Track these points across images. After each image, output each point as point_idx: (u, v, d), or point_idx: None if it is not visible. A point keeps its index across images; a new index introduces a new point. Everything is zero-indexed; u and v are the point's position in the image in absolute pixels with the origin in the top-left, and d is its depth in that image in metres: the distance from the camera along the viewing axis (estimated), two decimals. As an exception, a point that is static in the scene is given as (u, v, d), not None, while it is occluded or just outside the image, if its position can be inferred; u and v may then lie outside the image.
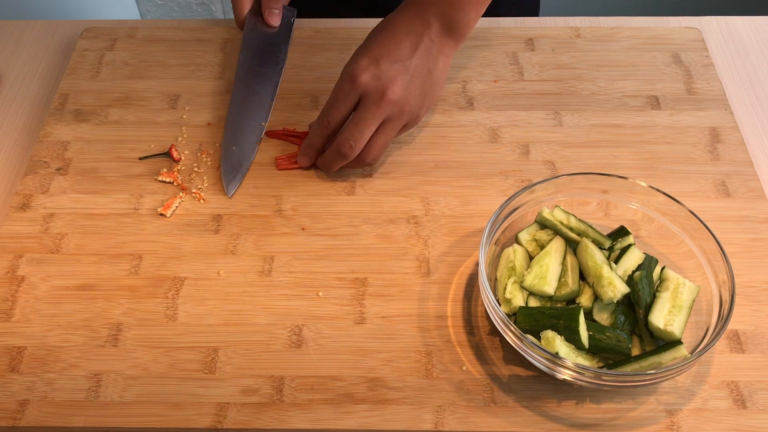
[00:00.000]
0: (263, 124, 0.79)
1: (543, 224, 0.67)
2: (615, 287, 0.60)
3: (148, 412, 0.60)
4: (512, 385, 0.62)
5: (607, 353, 0.60)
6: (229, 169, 0.75)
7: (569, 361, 0.56)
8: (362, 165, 0.74)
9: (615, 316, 0.61)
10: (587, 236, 0.65)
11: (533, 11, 1.07)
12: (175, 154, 0.77)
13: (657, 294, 0.61)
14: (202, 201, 0.74)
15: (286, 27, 0.85)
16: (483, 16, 0.92)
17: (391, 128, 0.72)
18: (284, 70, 0.83)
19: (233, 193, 0.74)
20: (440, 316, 0.66)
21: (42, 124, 0.82)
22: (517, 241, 0.66)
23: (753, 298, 0.67)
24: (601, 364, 0.60)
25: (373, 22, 0.91)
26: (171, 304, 0.66)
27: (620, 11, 1.94)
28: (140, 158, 0.77)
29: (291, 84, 0.84)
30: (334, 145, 0.72)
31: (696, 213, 0.64)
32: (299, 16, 0.88)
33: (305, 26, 0.91)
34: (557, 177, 0.66)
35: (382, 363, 0.63)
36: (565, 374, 0.57)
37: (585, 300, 0.62)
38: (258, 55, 0.82)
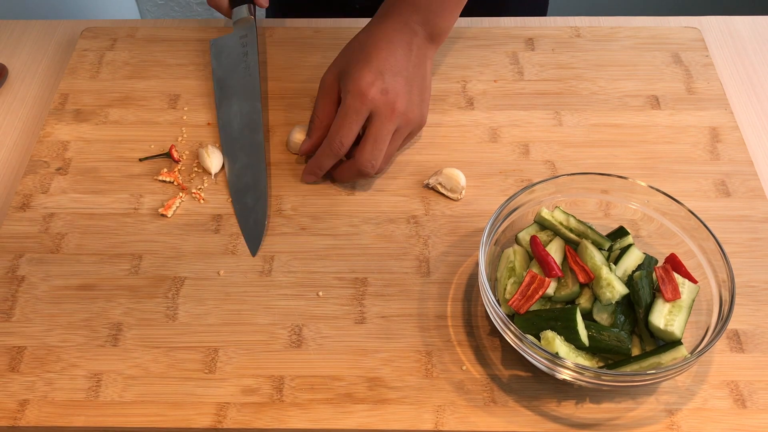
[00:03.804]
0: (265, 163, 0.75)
1: (542, 224, 0.66)
2: (614, 288, 0.60)
3: (148, 412, 0.60)
4: (512, 385, 0.62)
5: (607, 353, 0.60)
6: (250, 229, 0.71)
7: (569, 361, 0.56)
8: (369, 177, 0.73)
9: (615, 316, 0.61)
10: (587, 237, 0.65)
11: (541, 11, 1.07)
12: (175, 155, 0.77)
13: (657, 294, 0.61)
14: (202, 201, 0.74)
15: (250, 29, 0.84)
16: (485, 15, 0.93)
17: (398, 138, 0.72)
18: (284, 69, 0.82)
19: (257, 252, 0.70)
20: (440, 316, 0.66)
21: (42, 124, 0.82)
22: (517, 241, 0.66)
23: (753, 298, 0.67)
24: (601, 364, 0.60)
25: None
26: (171, 304, 0.66)
27: (620, 11, 1.94)
28: (140, 159, 0.77)
29: (289, 84, 0.84)
30: (354, 165, 0.71)
31: (696, 213, 0.64)
32: (297, 15, 0.88)
33: (305, 26, 0.91)
34: (557, 177, 0.66)
35: (382, 363, 0.63)
36: (565, 374, 0.57)
37: (584, 301, 0.62)
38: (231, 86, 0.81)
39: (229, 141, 0.77)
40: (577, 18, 0.93)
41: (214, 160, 0.75)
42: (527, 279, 0.61)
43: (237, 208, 0.72)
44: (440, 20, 0.73)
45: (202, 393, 0.61)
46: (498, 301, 0.63)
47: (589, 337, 0.59)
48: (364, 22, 0.91)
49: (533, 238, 0.64)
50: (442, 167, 0.75)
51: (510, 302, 0.61)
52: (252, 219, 0.71)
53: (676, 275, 0.62)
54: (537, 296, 0.60)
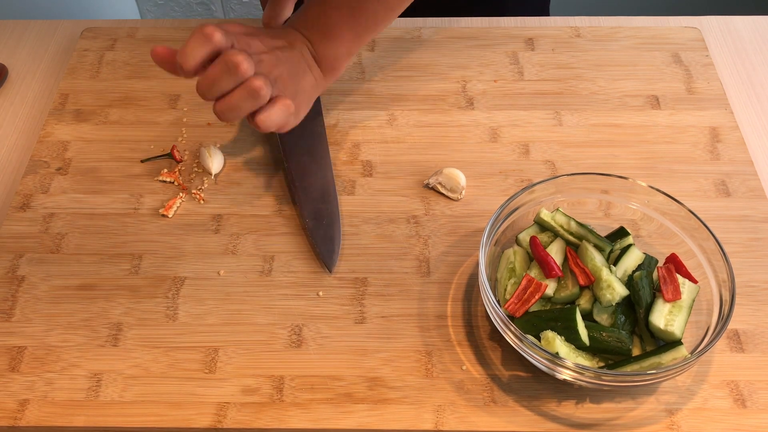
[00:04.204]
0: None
1: (542, 225, 0.66)
2: (614, 290, 0.60)
3: (148, 412, 0.60)
4: (512, 385, 0.62)
5: (607, 353, 0.60)
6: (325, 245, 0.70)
7: (569, 361, 0.56)
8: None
9: (615, 316, 0.61)
10: (587, 241, 0.65)
11: (541, 11, 1.06)
12: (177, 155, 0.77)
13: (657, 294, 0.61)
14: (202, 201, 0.74)
15: None
16: (485, 15, 0.93)
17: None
18: None
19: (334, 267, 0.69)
20: (440, 315, 0.66)
21: (42, 124, 0.82)
22: (517, 242, 0.66)
23: (753, 298, 0.67)
24: (601, 364, 0.60)
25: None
26: (171, 304, 0.66)
27: (620, 11, 1.94)
28: (142, 161, 0.77)
29: (291, 84, 0.84)
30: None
31: (696, 212, 0.64)
32: None
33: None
34: (557, 177, 0.66)
35: (382, 363, 0.63)
36: (565, 374, 0.57)
37: (584, 302, 0.62)
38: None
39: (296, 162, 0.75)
40: (577, 18, 0.93)
41: (215, 160, 0.75)
42: (523, 283, 0.61)
43: (310, 224, 0.71)
44: (324, 48, 0.68)
45: (202, 393, 0.61)
46: (498, 301, 0.63)
47: (590, 337, 0.59)
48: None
49: (533, 239, 0.64)
50: (442, 167, 0.75)
51: (506, 306, 0.61)
52: (328, 236, 0.70)
53: (677, 276, 0.62)
54: (533, 300, 0.60)
